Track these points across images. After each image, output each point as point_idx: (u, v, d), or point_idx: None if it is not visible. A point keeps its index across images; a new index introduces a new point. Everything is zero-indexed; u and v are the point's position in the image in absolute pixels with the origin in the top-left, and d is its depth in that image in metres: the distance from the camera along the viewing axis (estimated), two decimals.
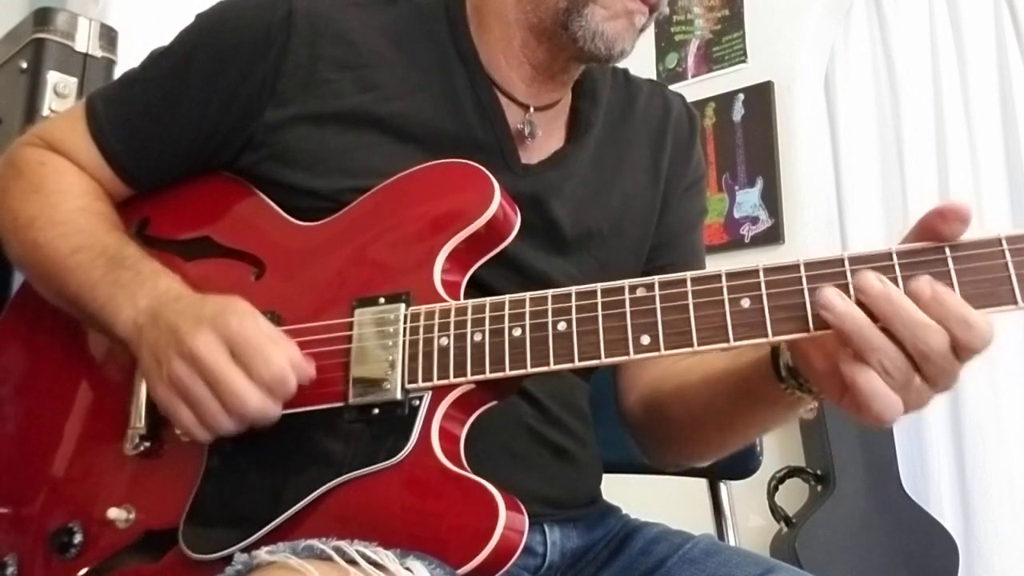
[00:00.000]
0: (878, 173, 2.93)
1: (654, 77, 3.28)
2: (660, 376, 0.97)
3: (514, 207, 0.83)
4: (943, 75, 2.82)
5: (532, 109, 0.96)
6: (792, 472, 2.63)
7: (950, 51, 2.83)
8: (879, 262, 0.67)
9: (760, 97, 3.01)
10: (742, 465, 1.30)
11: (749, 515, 2.66)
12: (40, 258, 0.89)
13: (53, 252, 0.87)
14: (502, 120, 0.94)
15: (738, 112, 3.07)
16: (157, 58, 0.95)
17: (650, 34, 3.42)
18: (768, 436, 1.45)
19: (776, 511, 2.57)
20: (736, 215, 2.99)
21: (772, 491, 2.60)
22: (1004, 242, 0.65)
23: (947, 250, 0.66)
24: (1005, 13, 2.76)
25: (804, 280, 0.68)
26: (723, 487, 1.34)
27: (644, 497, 1.20)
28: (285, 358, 0.74)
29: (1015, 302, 0.64)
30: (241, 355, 0.74)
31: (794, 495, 2.62)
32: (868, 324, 0.65)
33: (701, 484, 1.34)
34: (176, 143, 0.93)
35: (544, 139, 0.97)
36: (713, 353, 0.96)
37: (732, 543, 1.30)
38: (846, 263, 0.68)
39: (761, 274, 0.69)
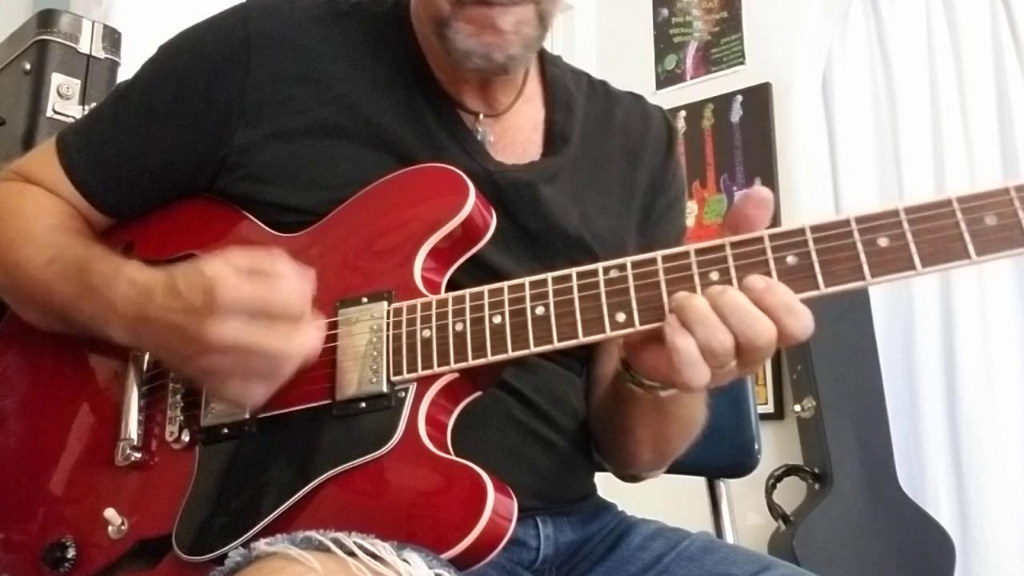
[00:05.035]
0: (875, 174, 2.94)
1: (653, 79, 3.30)
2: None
3: (489, 209, 0.85)
4: (939, 76, 2.83)
5: (481, 115, 0.96)
6: (790, 470, 2.64)
7: (947, 52, 2.84)
8: (836, 229, 0.70)
9: (758, 98, 3.03)
10: (740, 463, 1.31)
11: (747, 513, 2.67)
12: (20, 276, 0.90)
13: (32, 269, 0.88)
14: (460, 125, 0.94)
15: (736, 113, 3.08)
16: (124, 90, 0.97)
17: (649, 36, 3.43)
18: (766, 434, 1.46)
19: (774, 509, 2.58)
20: None
21: (770, 489, 2.61)
22: (955, 202, 0.69)
23: (902, 213, 0.69)
24: (1001, 15, 2.77)
25: (769, 251, 0.71)
26: (721, 485, 1.34)
27: (642, 495, 1.20)
28: (290, 284, 0.75)
29: (968, 257, 0.67)
30: (257, 313, 0.73)
31: (792, 493, 2.63)
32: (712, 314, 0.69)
33: (699, 482, 1.35)
34: (147, 171, 0.94)
35: (519, 150, 0.97)
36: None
37: (730, 541, 1.31)
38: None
39: (728, 247, 0.72)
